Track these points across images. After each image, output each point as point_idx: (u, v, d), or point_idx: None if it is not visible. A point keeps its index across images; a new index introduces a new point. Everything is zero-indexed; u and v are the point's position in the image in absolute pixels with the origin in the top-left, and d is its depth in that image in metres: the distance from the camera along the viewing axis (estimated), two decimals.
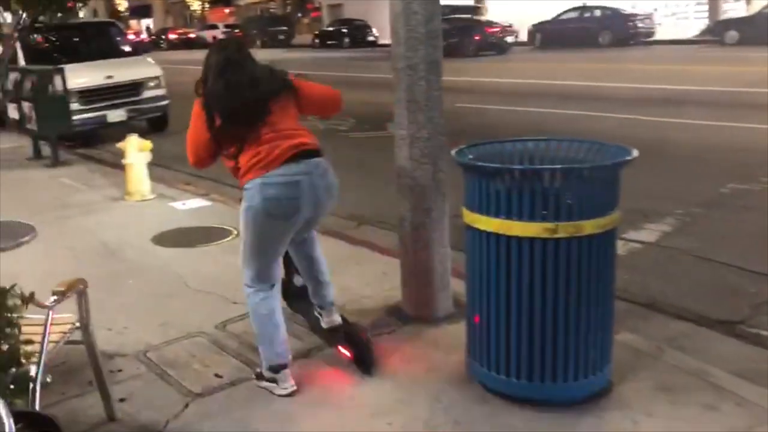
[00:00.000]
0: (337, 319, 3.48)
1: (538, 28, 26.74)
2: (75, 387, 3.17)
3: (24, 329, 2.39)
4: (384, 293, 4.10)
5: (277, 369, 3.07)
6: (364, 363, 3.25)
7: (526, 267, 2.67)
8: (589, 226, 2.63)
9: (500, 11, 29.73)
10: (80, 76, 10.48)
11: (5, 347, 1.91)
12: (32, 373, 2.39)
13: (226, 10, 50.84)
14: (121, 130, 11.22)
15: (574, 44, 23.95)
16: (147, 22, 56.58)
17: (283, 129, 2.97)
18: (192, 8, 50.65)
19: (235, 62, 2.96)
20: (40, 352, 2.39)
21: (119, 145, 6.68)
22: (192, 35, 45.35)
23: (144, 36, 45.09)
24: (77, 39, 12.05)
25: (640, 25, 25.04)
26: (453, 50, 20.31)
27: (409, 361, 3.33)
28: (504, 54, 24.83)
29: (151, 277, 4.62)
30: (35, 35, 11.54)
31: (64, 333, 2.66)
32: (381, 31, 32.50)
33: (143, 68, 11.33)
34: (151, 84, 11.20)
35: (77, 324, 2.74)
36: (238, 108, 2.92)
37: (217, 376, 3.27)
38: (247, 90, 2.91)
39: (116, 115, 10.74)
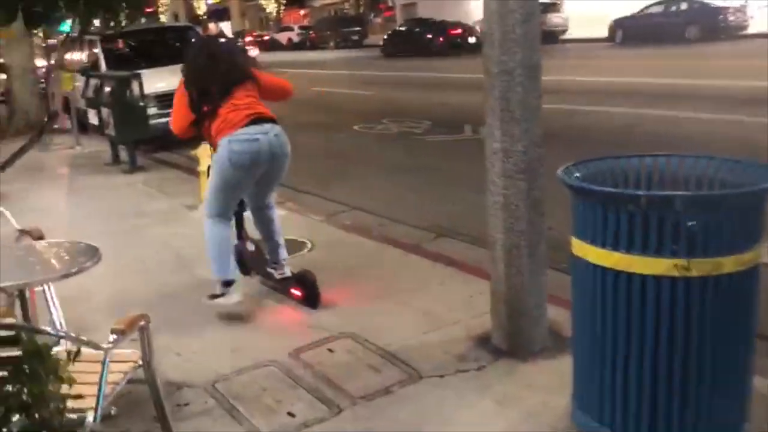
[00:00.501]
0: (288, 272, 4.23)
1: (619, 24, 25.63)
2: (140, 422, 2.95)
3: (79, 366, 2.16)
4: (471, 320, 3.73)
5: (230, 283, 3.94)
6: (311, 300, 4.05)
7: (650, 310, 2.26)
8: (730, 263, 2.19)
9: (579, 7, 28.73)
10: (158, 80, 10.53)
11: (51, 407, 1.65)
12: (89, 419, 2.16)
13: (301, 12, 51.35)
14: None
15: (659, 40, 22.79)
16: (224, 25, 57.86)
17: (241, 105, 3.85)
18: (267, 11, 51.39)
19: (212, 57, 3.94)
20: (97, 398, 2.15)
21: (193, 152, 6.55)
22: (267, 37, 45.99)
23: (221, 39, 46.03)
24: (156, 44, 12.16)
25: (731, 18, 23.60)
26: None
27: (501, 405, 2.95)
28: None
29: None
30: (112, 41, 11.75)
31: (125, 373, 2.42)
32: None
33: None
34: None
35: (139, 362, 2.49)
36: (208, 89, 3.85)
37: (289, 414, 2.99)
38: (216, 78, 3.85)
39: None
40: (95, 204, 7.13)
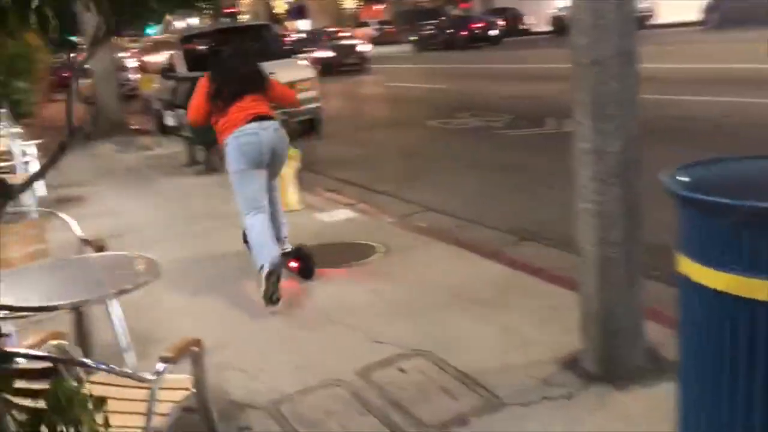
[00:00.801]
0: (288, 247, 4.69)
1: (715, 6, 24.14)
2: None
3: (127, 392, 1.99)
4: (556, 338, 3.38)
5: (277, 266, 4.17)
6: (307, 272, 4.58)
7: None
8: None
9: None
10: None
11: None
12: None
13: (379, 7, 51.25)
14: None
15: (761, 22, 21.29)
16: (303, 22, 58.52)
17: (245, 107, 4.40)
18: (345, 7, 51.58)
19: (237, 58, 4.66)
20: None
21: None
22: (344, 34, 46.05)
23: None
24: (235, 43, 12.20)
25: None
26: None
27: None
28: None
29: (291, 306, 4.19)
30: (190, 42, 11.86)
31: (177, 402, 2.23)
32: (537, 19, 31.08)
33: (296, 70, 11.22)
34: (304, 86, 11.07)
35: (192, 389, 2.29)
36: (222, 90, 4.45)
37: None
38: (235, 83, 4.46)
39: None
40: (169, 206, 7.12)
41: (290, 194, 6.32)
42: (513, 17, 33.13)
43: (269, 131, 4.41)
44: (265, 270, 4.09)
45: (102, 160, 10.75)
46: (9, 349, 1.87)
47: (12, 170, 6.95)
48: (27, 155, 7.28)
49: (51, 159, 1.37)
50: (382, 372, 3.25)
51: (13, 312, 2.74)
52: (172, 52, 11.74)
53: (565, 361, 3.16)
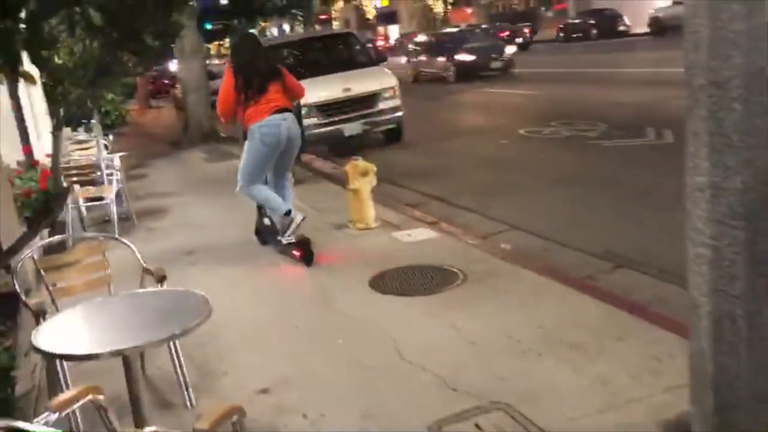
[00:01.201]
0: (293, 238, 5.25)
1: None
2: None
3: None
4: (659, 397, 2.93)
5: (289, 212, 5.22)
6: (307, 259, 5.18)
7: None
8: None
9: None
10: (320, 89, 10.43)
11: None
12: None
13: (468, 10, 50.65)
14: (358, 143, 11.22)
15: None
16: (393, 27, 58.65)
17: (270, 99, 5.10)
18: (435, 11, 51.26)
19: (256, 49, 5.30)
20: None
21: (345, 168, 6.18)
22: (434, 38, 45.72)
23: (385, 43, 46.42)
24: (319, 52, 12.12)
25: None
26: None
27: None
28: None
29: (361, 338, 3.90)
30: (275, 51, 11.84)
31: None
32: (634, 20, 29.75)
33: (379, 79, 11.00)
34: (387, 95, 10.84)
35: None
36: (251, 81, 5.10)
37: None
38: (258, 74, 5.12)
39: (352, 129, 10.54)
40: (248, 219, 7.01)
41: (366, 211, 6.06)
42: (610, 18, 31.80)
43: (288, 122, 5.22)
44: (292, 214, 5.25)
45: (189, 169, 10.91)
46: None
47: (97, 182, 7.04)
48: (111, 167, 7.36)
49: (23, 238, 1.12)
50: (457, 427, 2.90)
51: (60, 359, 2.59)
52: None
53: (669, 428, 2.71)
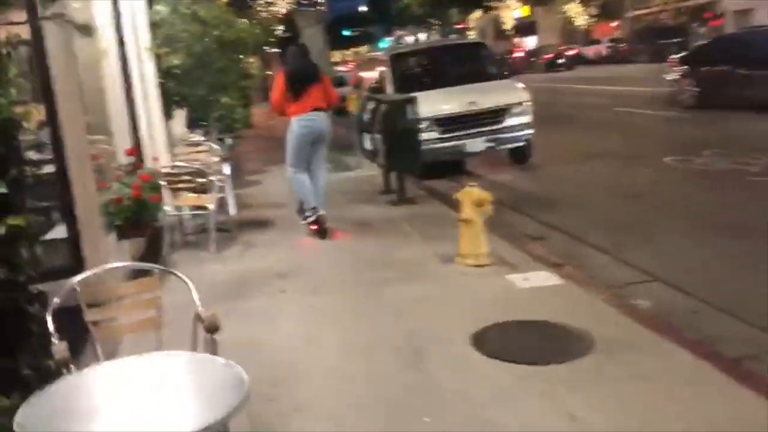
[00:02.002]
0: (322, 212, 6.59)
1: None
2: None
3: None
4: None
5: (315, 208, 6.52)
6: (322, 234, 6.49)
7: None
8: None
9: None
10: (442, 102, 9.77)
11: None
12: None
13: (612, 24, 48.20)
14: (481, 161, 10.44)
15: None
16: (531, 39, 57.03)
17: (310, 99, 6.40)
18: (576, 23, 49.19)
19: (303, 58, 6.65)
20: None
21: (457, 195, 5.46)
22: (574, 51, 43.86)
23: (524, 54, 44.95)
24: (445, 62, 11.45)
25: None
26: None
27: None
28: None
29: (454, 419, 3.15)
30: (401, 60, 11.29)
31: None
32: None
33: (509, 93, 10.17)
34: (516, 110, 9.98)
35: None
36: (298, 84, 6.39)
37: None
38: (303, 77, 6.46)
39: (475, 145, 9.78)
40: (347, 244, 6.44)
41: (478, 245, 5.29)
42: None
43: (320, 119, 6.48)
44: (317, 210, 6.52)
45: None
46: None
47: (207, 189, 6.73)
48: (221, 174, 7.05)
49: None
50: None
51: None
52: (383, 69, 11.28)
53: None
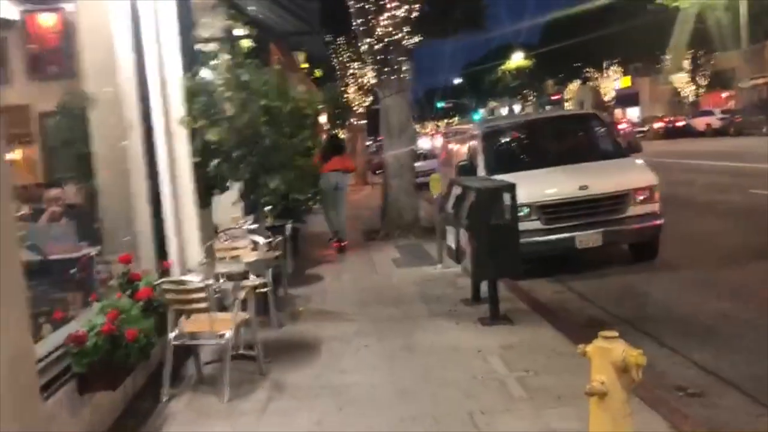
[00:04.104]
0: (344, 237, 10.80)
1: None
2: None
3: None
4: None
5: (335, 234, 10.91)
6: (341, 250, 10.48)
7: None
8: None
9: None
10: (547, 185, 7.89)
11: None
12: None
13: (723, 95, 45.01)
14: (591, 252, 8.44)
15: None
16: (632, 110, 54.34)
17: (332, 163, 10.55)
18: (683, 94, 46.31)
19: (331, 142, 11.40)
20: None
21: (584, 348, 3.50)
22: (681, 123, 40.97)
23: (628, 126, 42.35)
24: (550, 137, 9.60)
25: None
26: None
27: None
28: None
29: None
30: (497, 133, 9.53)
31: None
32: None
33: (631, 175, 8.18)
34: (640, 197, 7.96)
35: None
36: (325, 154, 10.12)
37: None
38: (330, 150, 10.68)
39: (588, 240, 7.78)
40: (412, 384, 4.57)
41: (615, 425, 3.27)
42: None
43: (336, 176, 10.52)
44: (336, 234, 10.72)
45: (373, 274, 8.78)
46: None
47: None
48: (253, 281, 5.42)
49: None
50: None
51: None
52: (474, 143, 9.55)
53: None
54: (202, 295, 4.36)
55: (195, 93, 6.03)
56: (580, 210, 7.83)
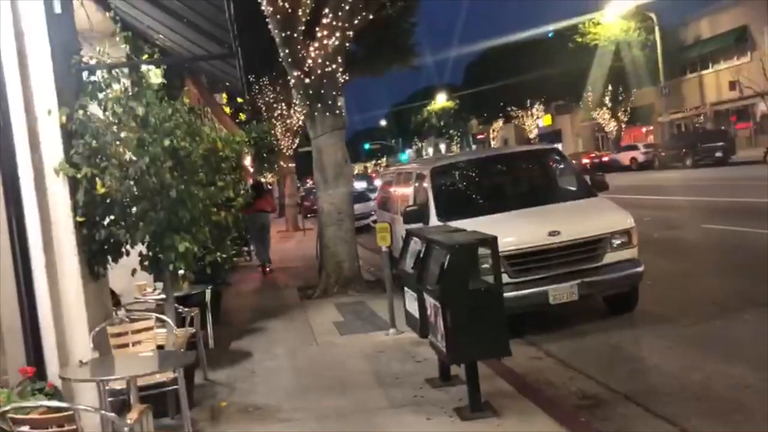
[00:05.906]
0: (267, 267, 13.93)
1: None
2: None
3: None
4: None
5: (264, 262, 14.07)
6: (265, 272, 13.72)
7: None
8: None
9: None
10: (512, 231, 6.74)
11: None
12: None
13: (643, 129, 46.09)
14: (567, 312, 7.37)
15: None
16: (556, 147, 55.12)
17: (258, 205, 12.72)
18: (606, 130, 47.13)
19: (256, 187, 13.77)
20: None
21: None
22: (606, 158, 41.52)
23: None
24: (507, 176, 8.58)
25: None
26: None
27: None
28: None
29: None
30: (446, 172, 8.43)
31: None
32: None
33: (605, 217, 7.19)
34: (617, 242, 6.95)
35: None
36: (253, 198, 11.73)
37: None
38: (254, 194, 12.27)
39: (563, 293, 6.68)
40: None
41: None
42: None
43: (261, 216, 13.27)
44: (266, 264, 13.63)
45: (311, 346, 7.33)
46: None
47: None
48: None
49: None
50: None
51: None
52: (422, 185, 8.37)
53: None
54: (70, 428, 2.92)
55: (76, 133, 4.63)
56: (551, 260, 6.75)
